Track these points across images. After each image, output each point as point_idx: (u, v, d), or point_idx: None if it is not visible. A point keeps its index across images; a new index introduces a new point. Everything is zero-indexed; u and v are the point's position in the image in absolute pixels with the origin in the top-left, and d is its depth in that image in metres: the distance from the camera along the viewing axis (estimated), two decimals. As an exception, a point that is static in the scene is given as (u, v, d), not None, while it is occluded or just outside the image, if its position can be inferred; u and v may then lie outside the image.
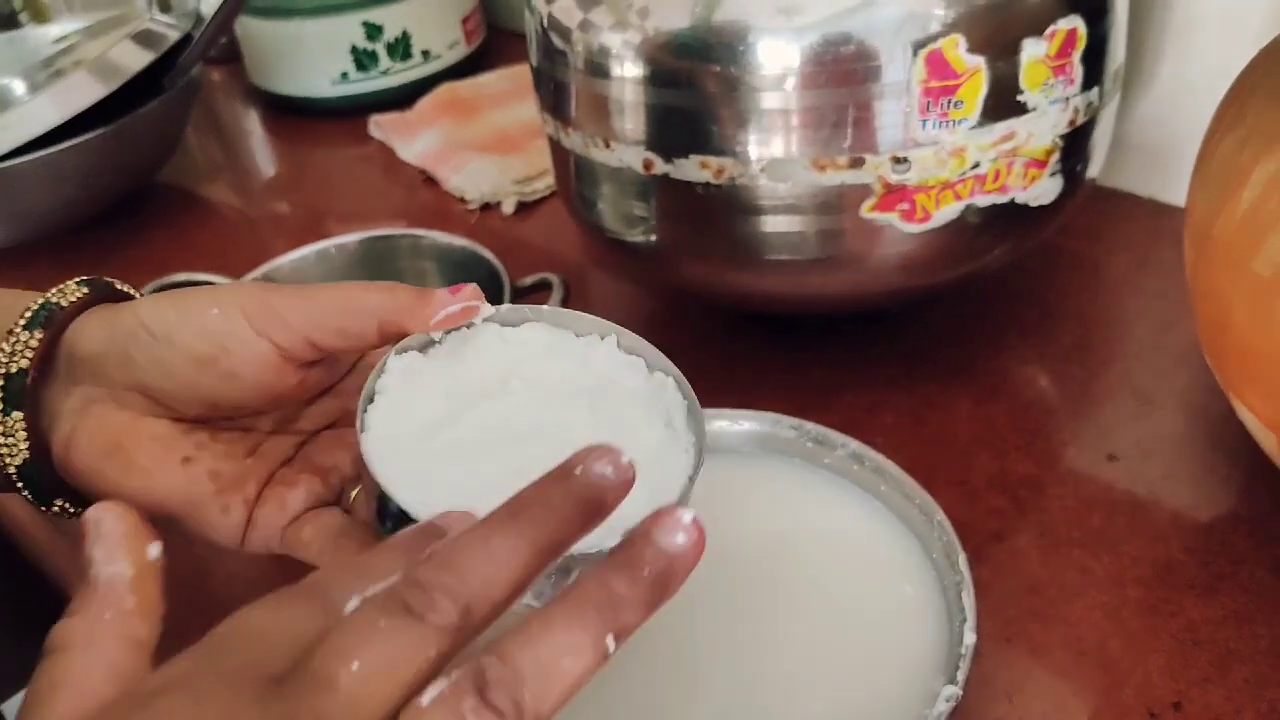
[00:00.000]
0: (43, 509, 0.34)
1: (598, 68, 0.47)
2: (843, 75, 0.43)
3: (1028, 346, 0.56)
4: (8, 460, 0.33)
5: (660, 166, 0.47)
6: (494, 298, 0.54)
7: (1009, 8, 0.43)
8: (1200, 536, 0.45)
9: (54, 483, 0.34)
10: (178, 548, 0.28)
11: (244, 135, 0.96)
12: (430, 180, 0.79)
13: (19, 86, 0.80)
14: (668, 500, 0.27)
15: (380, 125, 0.86)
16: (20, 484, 0.33)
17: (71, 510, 0.34)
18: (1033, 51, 0.43)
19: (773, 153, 0.44)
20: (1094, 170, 0.51)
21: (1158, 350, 0.55)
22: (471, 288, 0.32)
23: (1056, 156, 0.46)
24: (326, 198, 0.82)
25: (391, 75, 0.89)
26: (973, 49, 0.42)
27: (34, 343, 0.32)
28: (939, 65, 0.42)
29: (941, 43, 0.42)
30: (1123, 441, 0.50)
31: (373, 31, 0.87)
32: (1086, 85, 0.46)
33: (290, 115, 0.93)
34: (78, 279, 0.34)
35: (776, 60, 0.43)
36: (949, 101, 0.43)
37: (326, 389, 0.36)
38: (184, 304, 0.32)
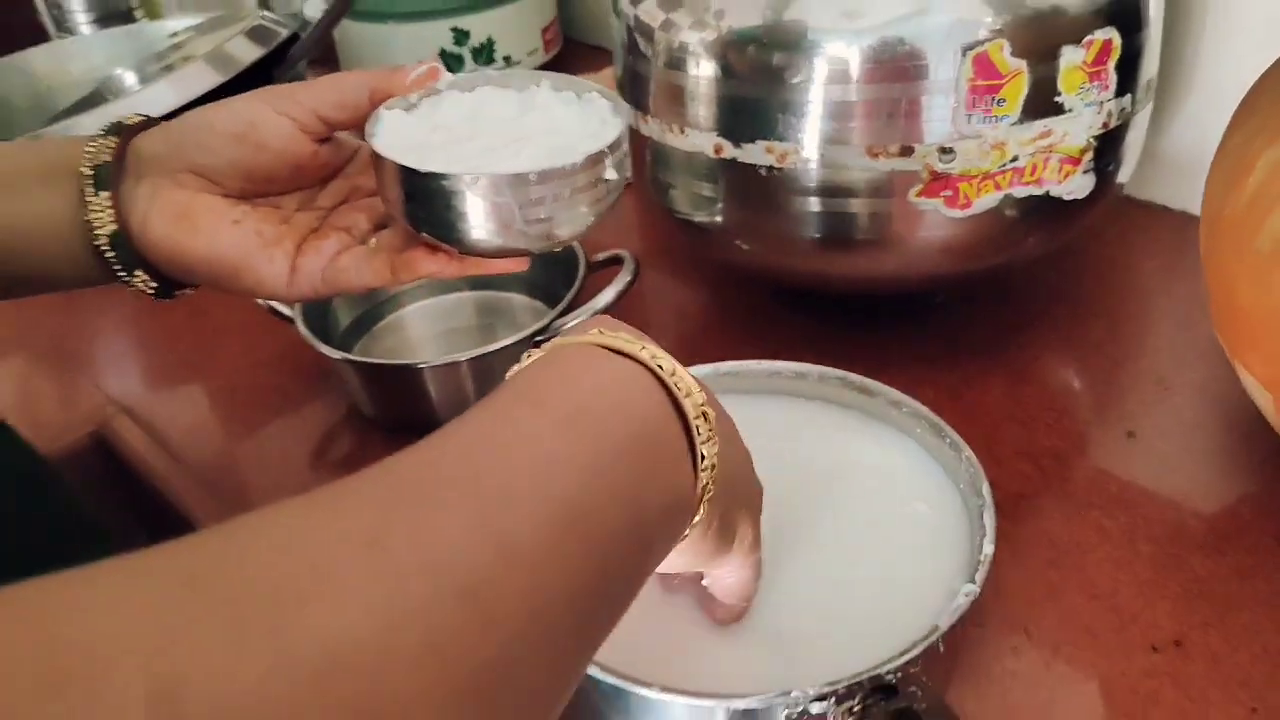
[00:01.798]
0: (127, 283, 0.43)
1: (676, 62, 0.53)
2: (897, 72, 0.48)
3: (1059, 338, 0.61)
4: (98, 230, 0.41)
5: (729, 151, 0.52)
6: (571, 273, 0.60)
7: (1050, 18, 0.48)
8: (1209, 504, 0.49)
9: (135, 257, 0.42)
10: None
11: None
12: (508, 174, 0.85)
13: (130, 77, 0.87)
14: (594, 140, 0.40)
15: (462, 124, 0.92)
16: (111, 252, 0.42)
17: (153, 285, 0.43)
18: (1071, 58, 0.48)
19: (831, 140, 0.49)
20: (1125, 174, 0.56)
21: (1179, 345, 0.59)
22: (432, 62, 0.43)
23: (1090, 155, 0.51)
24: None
25: (474, 79, 0.95)
26: (1016, 53, 0.47)
27: (110, 144, 0.42)
28: (985, 66, 0.47)
29: (988, 46, 0.47)
30: (1142, 421, 0.54)
31: (460, 37, 0.93)
32: (1120, 92, 0.51)
33: (377, 113, 1.00)
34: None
35: (837, 57, 0.48)
36: (993, 99, 0.48)
37: (335, 173, 0.46)
38: (219, 103, 0.43)
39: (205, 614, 0.20)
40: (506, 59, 0.96)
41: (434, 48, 0.93)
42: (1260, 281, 0.38)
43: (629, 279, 0.57)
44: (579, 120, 0.43)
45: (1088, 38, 0.48)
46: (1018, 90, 0.48)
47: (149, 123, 0.45)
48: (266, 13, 0.89)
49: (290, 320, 0.59)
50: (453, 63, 0.94)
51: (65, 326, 0.75)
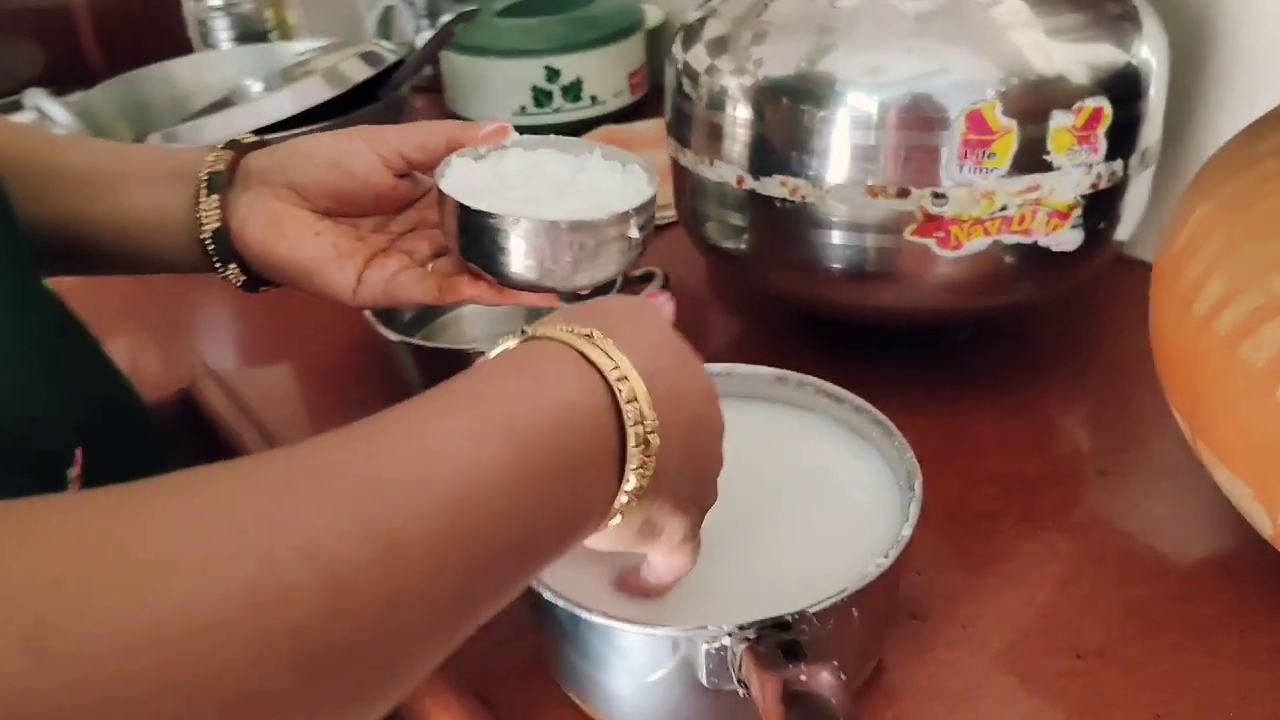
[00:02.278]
0: (222, 274, 0.52)
1: (716, 102, 0.60)
2: (902, 122, 0.54)
3: (1055, 382, 0.65)
4: (205, 226, 0.50)
5: (749, 182, 0.58)
6: (609, 287, 0.67)
7: (1043, 85, 0.53)
8: (1162, 538, 0.53)
9: (231, 253, 0.51)
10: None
11: (432, 151, 1.13)
12: (579, 199, 0.93)
13: (257, 87, 0.98)
14: (625, 203, 0.48)
15: (545, 152, 1.01)
16: (212, 246, 0.50)
17: (241, 278, 0.51)
18: (1060, 121, 0.53)
19: (837, 178, 0.55)
20: (1124, 232, 0.60)
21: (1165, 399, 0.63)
22: (503, 121, 0.52)
23: (1078, 212, 0.56)
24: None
25: (562, 113, 1.04)
26: (1008, 113, 0.53)
27: (226, 157, 0.51)
28: (978, 123, 0.53)
29: (982, 105, 0.52)
30: (1116, 462, 0.58)
31: (552, 75, 1.02)
32: (1111, 156, 0.56)
33: (473, 138, 1.09)
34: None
35: (854, 106, 0.55)
36: (984, 153, 0.53)
37: (408, 205, 0.53)
38: (323, 134, 0.51)
39: (87, 571, 0.22)
40: (593, 98, 1.04)
41: (527, 83, 1.02)
42: (1176, 316, 0.43)
43: (656, 291, 0.64)
44: (619, 185, 0.50)
45: (1078, 104, 0.53)
46: (1007, 146, 0.53)
47: (260, 143, 0.53)
48: (382, 41, 0.99)
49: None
50: (542, 98, 1.03)
51: (174, 301, 0.85)
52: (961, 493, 0.57)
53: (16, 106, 0.86)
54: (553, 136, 0.53)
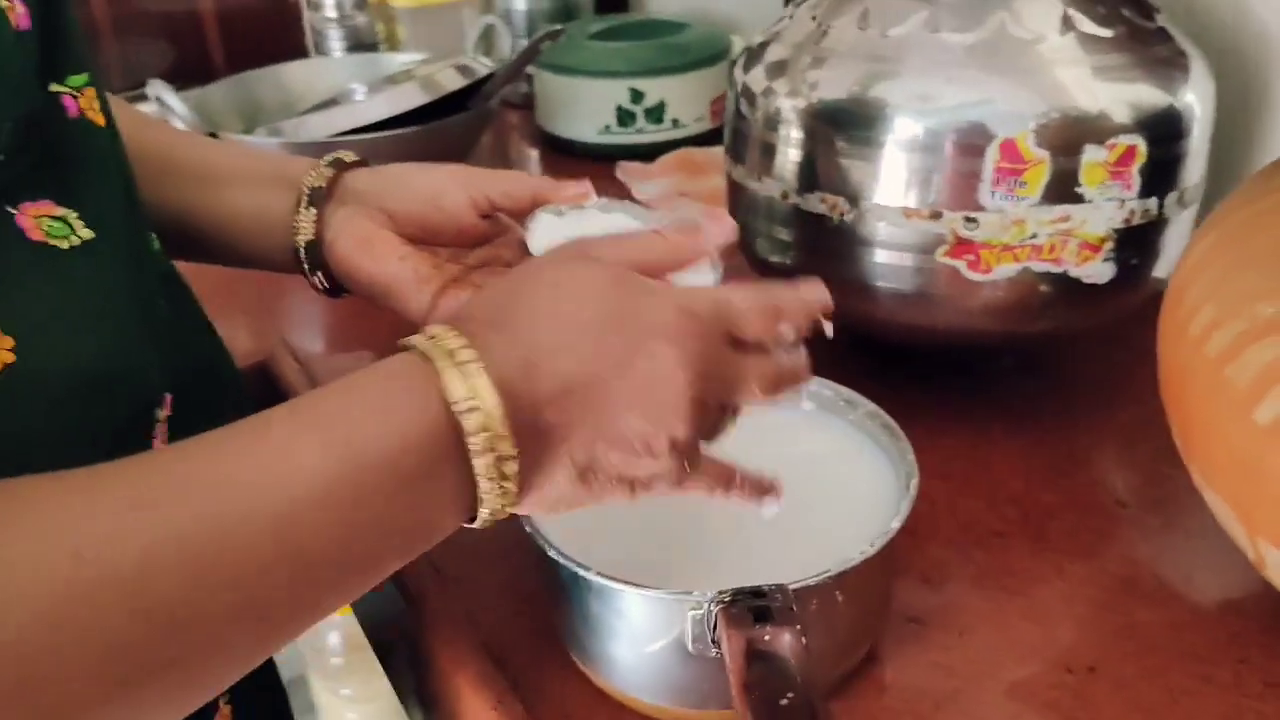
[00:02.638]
0: (309, 278, 0.56)
1: (769, 121, 0.63)
2: (939, 147, 0.56)
3: (1088, 418, 0.66)
4: (298, 236, 0.55)
5: (793, 198, 0.61)
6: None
7: (1079, 119, 0.55)
8: (1169, 568, 0.54)
9: (319, 262, 0.55)
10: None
11: (523, 161, 1.18)
12: (650, 215, 0.97)
13: (360, 91, 1.05)
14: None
15: (625, 170, 1.05)
16: (303, 254, 0.55)
17: (325, 285, 0.56)
18: (1093, 156, 0.55)
19: (875, 198, 0.58)
20: (1164, 269, 0.61)
21: (1202, 440, 0.63)
22: (586, 182, 0.55)
23: (1110, 245, 0.57)
24: (568, 217, 1.02)
25: (644, 134, 1.08)
26: (1040, 144, 0.55)
27: (328, 174, 0.55)
28: (1011, 152, 0.55)
29: (1015, 135, 0.55)
30: (1135, 495, 0.59)
31: (636, 96, 1.07)
32: (1145, 194, 0.57)
33: (560, 153, 1.14)
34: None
35: (896, 130, 0.57)
36: (1015, 181, 0.55)
37: (485, 241, 0.57)
38: (423, 166, 0.56)
39: None
40: (675, 121, 1.08)
41: (612, 103, 1.07)
42: (1187, 364, 0.44)
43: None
44: None
45: (1112, 141, 0.55)
46: (1039, 176, 0.55)
47: (362, 163, 0.58)
48: (478, 55, 1.05)
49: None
50: (626, 118, 1.08)
51: (267, 283, 0.91)
52: (979, 512, 0.58)
53: (141, 97, 0.93)
54: (626, 202, 0.56)
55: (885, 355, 0.70)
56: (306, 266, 0.56)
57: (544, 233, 0.53)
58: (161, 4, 1.21)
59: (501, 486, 0.35)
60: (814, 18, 0.63)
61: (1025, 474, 0.61)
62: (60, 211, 0.40)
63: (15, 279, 0.38)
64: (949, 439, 0.64)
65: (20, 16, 0.39)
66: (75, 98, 0.43)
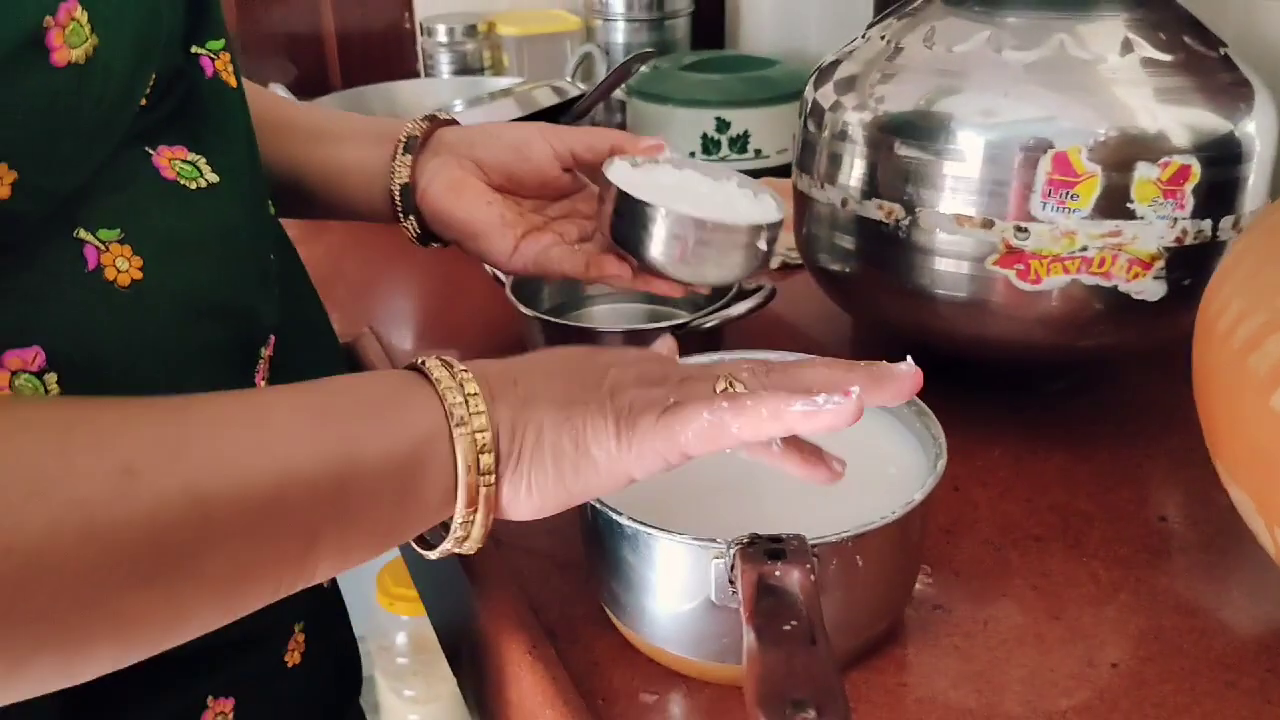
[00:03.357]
0: (402, 223, 0.61)
1: (838, 134, 0.66)
2: (995, 159, 0.58)
3: (1139, 436, 0.66)
4: (396, 180, 0.60)
5: (852, 205, 0.64)
6: (728, 287, 0.73)
7: (1133, 137, 0.57)
8: (1205, 582, 0.54)
9: (412, 206, 0.60)
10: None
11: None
12: (726, 236, 1.00)
13: (460, 106, 1.11)
14: (749, 216, 0.59)
15: (706, 195, 1.09)
16: (399, 198, 0.60)
17: (417, 231, 0.61)
18: (1145, 173, 0.57)
19: (928, 205, 0.60)
20: (1217, 298, 0.62)
21: (1253, 468, 0.63)
22: (660, 138, 0.60)
23: (1161, 263, 0.58)
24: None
25: (727, 162, 1.12)
26: (1092, 159, 0.56)
27: (423, 126, 0.61)
28: (1063, 165, 0.57)
29: (1068, 148, 0.56)
30: (1177, 511, 0.60)
31: (721, 125, 1.11)
32: (1199, 215, 0.58)
33: (646, 179, 1.19)
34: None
35: (956, 141, 0.59)
36: (1067, 193, 0.57)
37: (564, 195, 0.62)
38: (511, 123, 0.61)
39: None
40: (757, 151, 1.12)
41: (699, 130, 1.11)
42: (1214, 359, 0.45)
43: (761, 300, 0.70)
44: (751, 205, 0.60)
45: (1164, 159, 0.57)
46: (1091, 190, 0.57)
47: (453, 120, 0.64)
48: (574, 80, 1.10)
49: (502, 284, 0.76)
50: (710, 146, 1.11)
51: (360, 272, 0.97)
52: (1019, 517, 0.59)
53: (260, 100, 1.01)
54: (698, 160, 0.62)
55: (939, 363, 0.72)
56: (400, 211, 0.61)
57: (617, 174, 0.57)
58: (288, 25, 1.30)
59: (480, 467, 0.38)
60: (883, 37, 0.66)
61: (1069, 485, 0.62)
62: (191, 157, 0.46)
63: (147, 210, 0.43)
64: (996, 448, 0.65)
65: None
66: (212, 59, 0.49)
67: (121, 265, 0.42)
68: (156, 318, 0.42)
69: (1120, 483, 0.62)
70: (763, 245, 0.58)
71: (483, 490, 0.39)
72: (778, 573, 0.38)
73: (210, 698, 0.49)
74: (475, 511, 0.39)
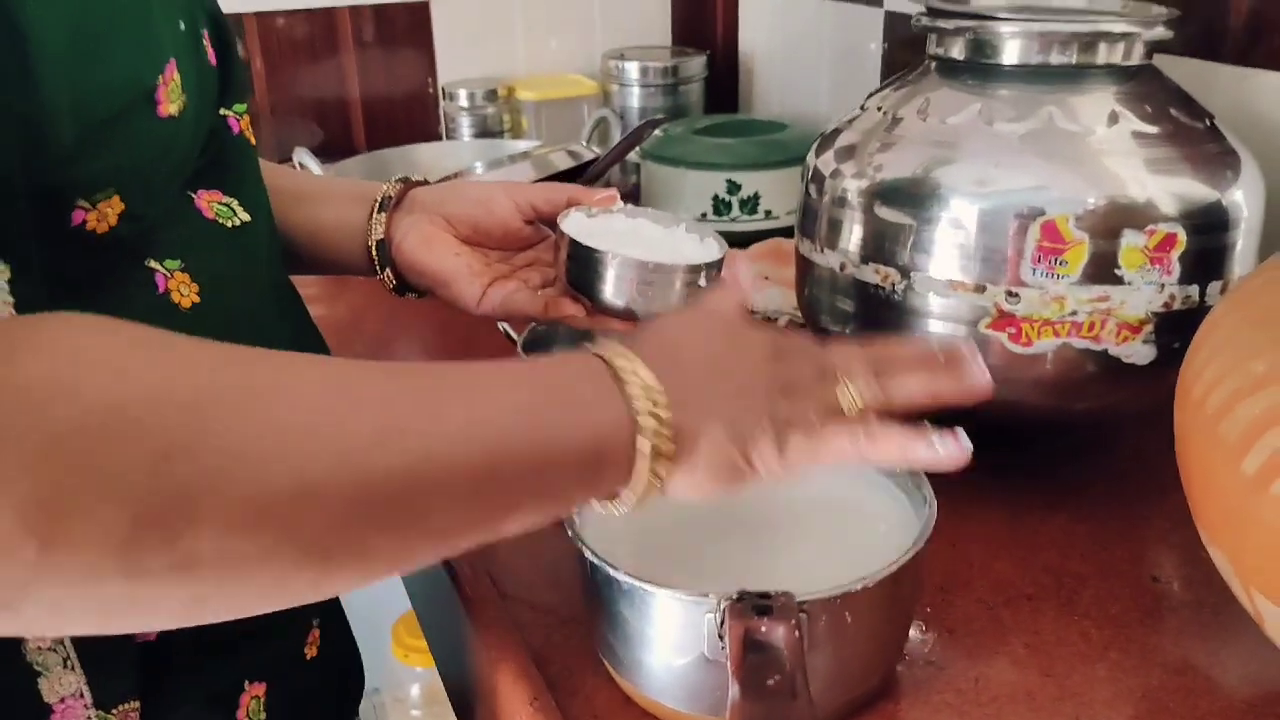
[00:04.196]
0: (380, 275, 0.66)
1: (835, 200, 0.68)
2: (987, 226, 0.60)
3: (1136, 498, 0.67)
4: (372, 236, 0.65)
5: (850, 269, 0.66)
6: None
7: (1121, 206, 0.59)
8: (1197, 642, 0.55)
9: (388, 260, 0.65)
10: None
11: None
12: (735, 295, 1.03)
13: (480, 169, 1.14)
14: (690, 257, 0.62)
15: (717, 255, 1.11)
16: (375, 253, 0.65)
17: (393, 282, 0.66)
18: (1131, 240, 0.58)
19: (923, 270, 0.62)
20: (1208, 361, 0.63)
21: (1248, 528, 0.64)
22: (613, 190, 0.64)
23: (1150, 327, 0.60)
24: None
25: (737, 223, 1.15)
26: (1080, 226, 0.58)
27: (397, 188, 0.66)
28: (1051, 232, 0.59)
29: (1055, 217, 0.58)
30: (1172, 574, 0.60)
31: (732, 188, 1.13)
32: (1187, 280, 0.60)
33: (659, 239, 1.22)
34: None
35: (952, 210, 0.61)
36: (1055, 260, 0.59)
37: (527, 246, 0.67)
38: (476, 181, 0.69)
39: (226, 412, 0.33)
40: (767, 212, 1.15)
41: (710, 192, 1.14)
42: (1200, 437, 0.47)
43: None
44: (696, 248, 0.64)
45: (1150, 227, 0.58)
46: (1079, 256, 0.59)
47: (425, 182, 0.70)
48: (590, 145, 1.14)
49: (514, 341, 0.79)
50: (721, 208, 1.14)
51: (382, 335, 1.00)
52: (1013, 576, 0.61)
53: (286, 160, 1.05)
54: (649, 209, 0.67)
55: (937, 423, 0.73)
56: (378, 264, 0.66)
57: (572, 224, 0.62)
58: (316, 91, 1.34)
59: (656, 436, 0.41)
60: (880, 109, 0.68)
61: (1063, 544, 0.63)
62: (225, 199, 0.54)
63: (198, 244, 0.51)
64: (993, 508, 0.66)
65: (212, 55, 0.52)
66: (238, 120, 0.57)
67: (184, 291, 0.49)
68: (215, 338, 0.47)
69: (1114, 542, 0.63)
70: (703, 283, 0.62)
71: (655, 484, 0.42)
72: (764, 628, 0.40)
73: (247, 681, 0.55)
74: (641, 496, 0.42)
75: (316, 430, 0.34)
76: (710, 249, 0.63)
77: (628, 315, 0.61)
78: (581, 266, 0.61)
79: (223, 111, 0.55)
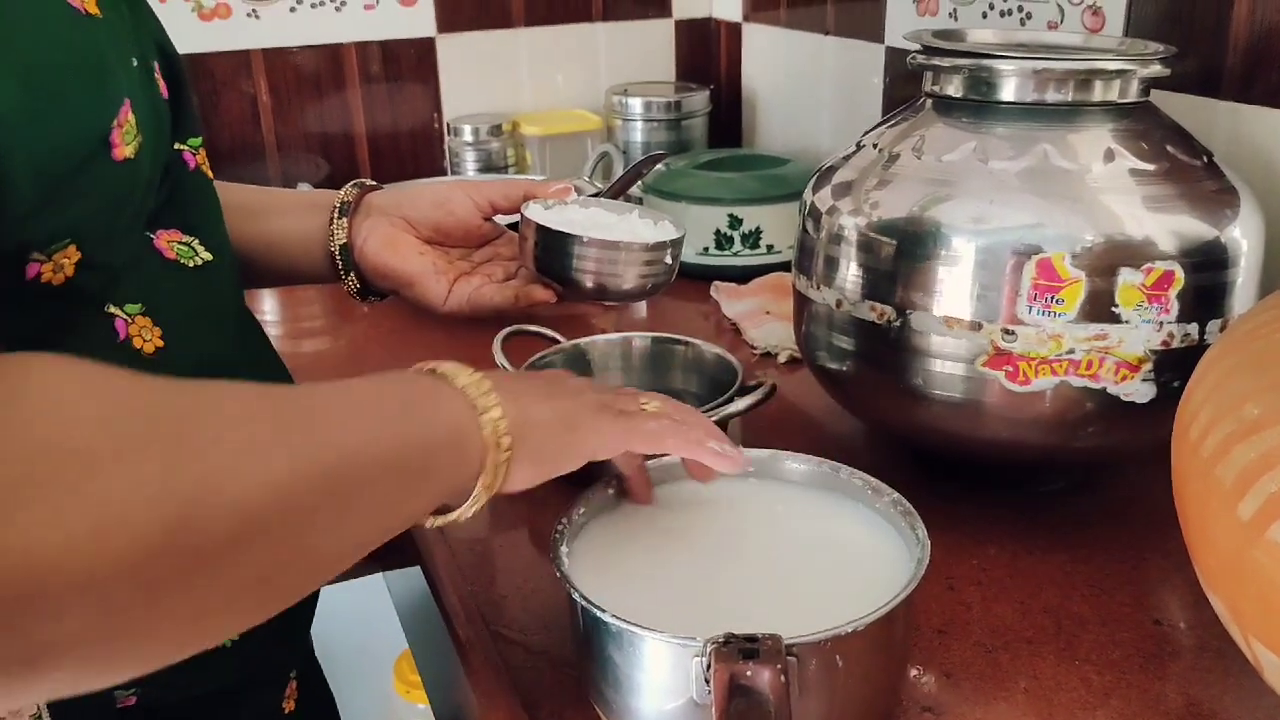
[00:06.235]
0: (343, 280, 0.67)
1: (832, 237, 0.68)
2: (984, 264, 0.60)
3: (1137, 539, 0.66)
4: (334, 241, 0.65)
5: (846, 305, 0.66)
6: (728, 383, 0.74)
7: (1118, 244, 0.58)
8: (1199, 685, 0.54)
9: (351, 264, 0.65)
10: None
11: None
12: (737, 330, 1.02)
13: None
14: (653, 236, 0.68)
15: (719, 289, 1.11)
16: (338, 258, 0.66)
17: (356, 286, 0.67)
18: (1128, 278, 0.58)
19: (919, 307, 0.62)
20: (1209, 400, 0.62)
21: (1252, 570, 0.63)
22: (568, 182, 0.67)
23: (1149, 366, 0.59)
24: (658, 323, 1.08)
25: (739, 256, 1.15)
26: (1076, 264, 0.58)
27: (354, 193, 0.67)
28: (1048, 270, 0.58)
29: (1051, 255, 0.58)
30: (1174, 616, 0.59)
31: (734, 222, 1.13)
32: (1186, 318, 0.59)
33: (662, 273, 1.21)
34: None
35: (949, 247, 0.61)
36: (1052, 298, 0.58)
37: (486, 242, 0.68)
38: (435, 182, 0.67)
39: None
40: (769, 246, 1.14)
41: (713, 226, 1.14)
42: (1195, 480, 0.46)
43: (761, 396, 0.71)
44: (653, 230, 0.68)
45: (1148, 265, 0.58)
46: (1075, 294, 0.58)
47: (378, 186, 0.71)
48: (592, 180, 1.14)
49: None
50: (724, 242, 1.14)
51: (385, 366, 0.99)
52: (1012, 619, 0.60)
53: (288, 198, 1.05)
54: (602, 199, 0.70)
55: (937, 465, 0.73)
56: (341, 269, 0.67)
57: (534, 214, 0.65)
58: (322, 125, 1.35)
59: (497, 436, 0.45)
60: (875, 146, 0.68)
61: (1063, 586, 0.62)
62: (185, 239, 0.53)
63: (159, 286, 0.50)
64: (992, 547, 0.66)
65: (164, 88, 0.51)
66: (194, 154, 0.56)
67: (146, 335, 0.48)
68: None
69: (1116, 585, 0.62)
70: (669, 260, 0.66)
71: (500, 468, 0.45)
72: (749, 672, 0.39)
73: None
74: (490, 484, 0.45)
75: (244, 450, 0.35)
76: (667, 229, 0.67)
77: (598, 295, 0.64)
78: (551, 253, 0.63)
79: (177, 146, 0.54)
